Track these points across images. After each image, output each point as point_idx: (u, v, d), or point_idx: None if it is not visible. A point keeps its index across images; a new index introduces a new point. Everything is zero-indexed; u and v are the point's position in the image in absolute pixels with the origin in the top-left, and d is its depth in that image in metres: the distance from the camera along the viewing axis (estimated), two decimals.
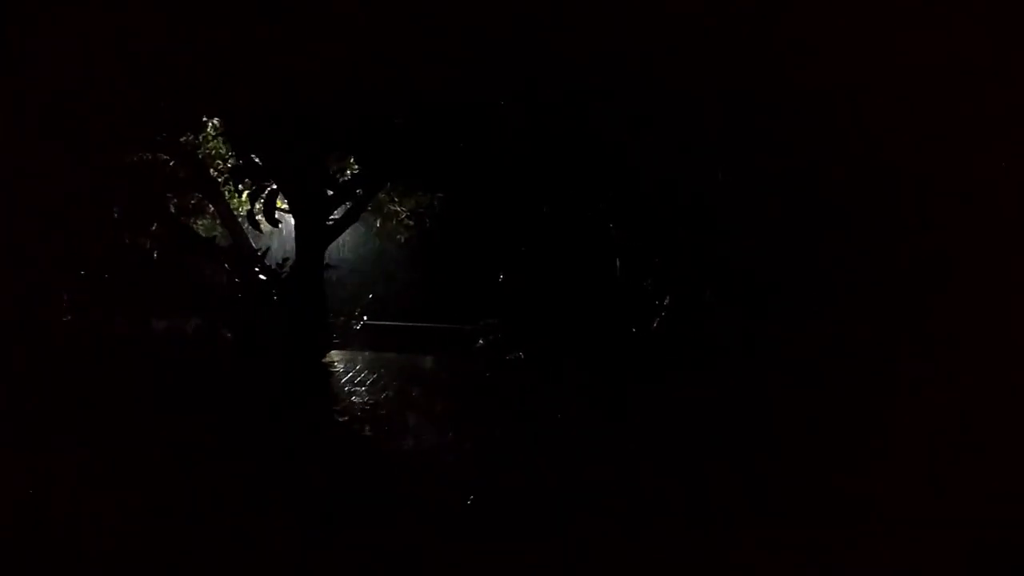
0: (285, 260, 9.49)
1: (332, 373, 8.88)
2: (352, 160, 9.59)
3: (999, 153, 7.17)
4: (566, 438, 6.34)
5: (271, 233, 10.70)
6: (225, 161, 9.67)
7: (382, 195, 10.46)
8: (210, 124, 9.37)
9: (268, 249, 9.75)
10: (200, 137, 9.51)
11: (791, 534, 4.27)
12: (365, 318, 10.67)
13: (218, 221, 10.09)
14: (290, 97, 7.82)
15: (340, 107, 8.06)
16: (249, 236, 9.69)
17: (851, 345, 7.66)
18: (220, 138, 9.43)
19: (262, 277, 9.31)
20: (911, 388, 6.89)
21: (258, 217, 9.32)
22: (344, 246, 12.08)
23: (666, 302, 8.77)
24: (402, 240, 11.52)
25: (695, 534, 4.34)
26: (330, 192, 9.26)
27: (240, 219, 9.69)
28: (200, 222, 10.73)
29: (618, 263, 9.12)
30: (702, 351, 8.36)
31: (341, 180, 9.56)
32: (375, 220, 11.15)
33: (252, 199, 9.22)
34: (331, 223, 9.39)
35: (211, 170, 9.69)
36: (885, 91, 7.27)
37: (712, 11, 7.49)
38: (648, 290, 8.91)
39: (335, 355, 9.92)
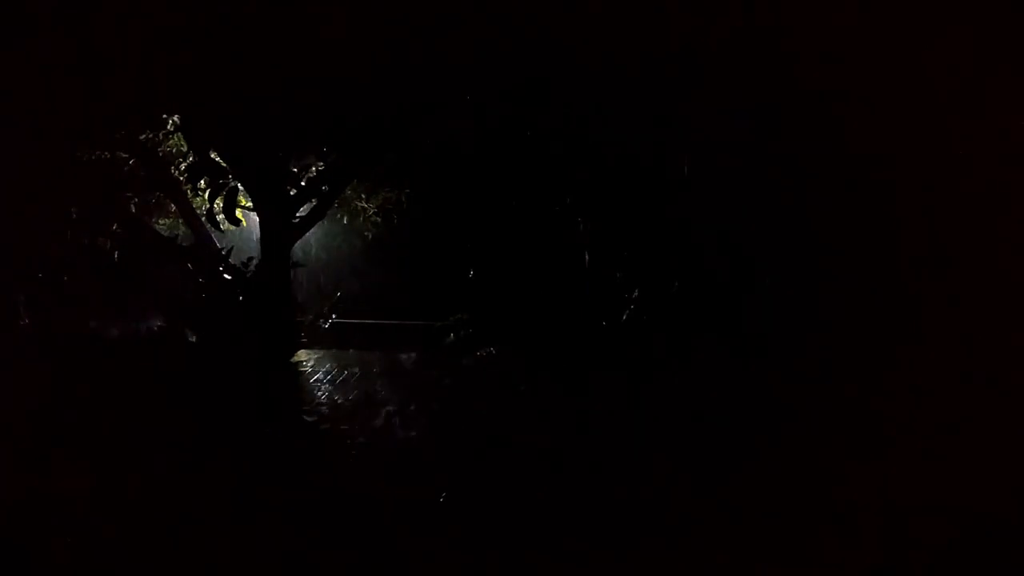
0: (250, 259, 9.34)
1: (301, 373, 8.77)
2: (316, 157, 9.47)
3: (970, 144, 7.26)
4: (537, 432, 6.33)
5: (235, 231, 10.53)
6: (186, 158, 9.49)
7: (349, 192, 10.35)
8: (170, 121, 9.18)
9: (232, 248, 9.59)
10: (160, 134, 9.31)
11: (767, 530, 4.29)
12: (334, 316, 10.56)
13: (180, 220, 9.90)
14: (250, 93, 7.69)
15: (303, 103, 7.94)
16: (214, 235, 9.53)
17: (825, 335, 7.74)
18: (180, 134, 9.24)
19: (227, 277, 9.16)
20: (890, 380, 6.96)
21: (218, 216, 9.16)
22: (311, 244, 11.94)
23: (635, 295, 8.80)
24: (370, 237, 11.42)
25: (671, 529, 4.35)
26: (293, 191, 9.14)
27: (203, 217, 9.53)
28: (162, 221, 10.52)
29: (587, 256, 9.14)
30: (672, 343, 8.42)
31: (306, 177, 9.44)
32: (342, 217, 11.03)
33: (211, 197, 9.06)
34: (297, 221, 9.27)
35: (172, 168, 9.49)
36: (857, 82, 7.33)
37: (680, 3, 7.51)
38: (617, 283, 8.94)
39: (303, 354, 9.80)
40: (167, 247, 9.18)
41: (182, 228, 9.99)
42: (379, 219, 11.05)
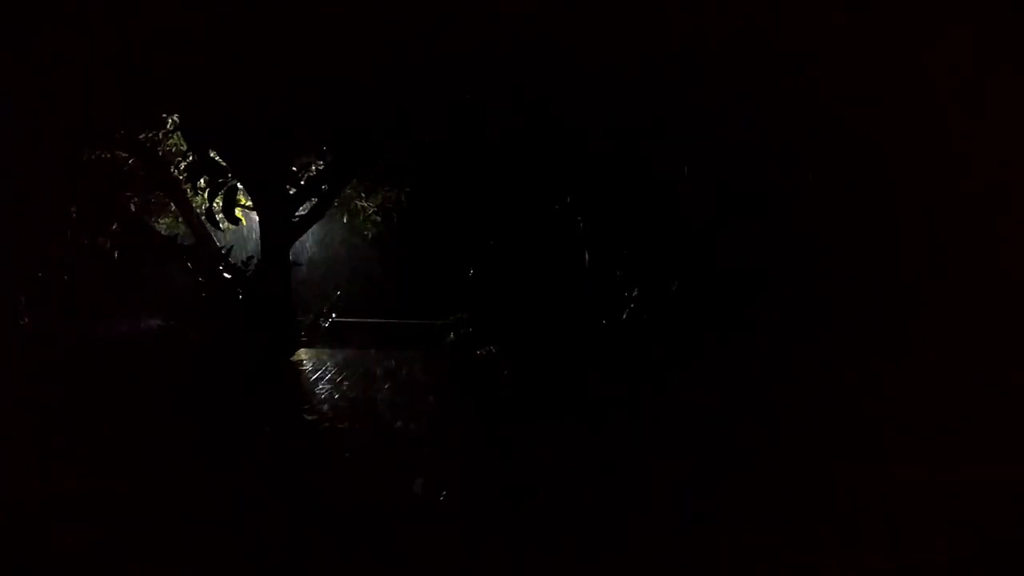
0: (250, 258, 9.33)
1: (301, 373, 8.77)
2: (316, 157, 9.47)
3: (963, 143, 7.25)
4: (537, 431, 6.33)
5: (235, 231, 10.53)
6: (186, 158, 9.50)
7: (349, 190, 10.35)
8: (170, 121, 9.18)
9: (232, 248, 9.59)
10: (160, 134, 9.31)
11: (768, 530, 4.29)
12: (333, 315, 10.56)
13: (180, 219, 9.90)
14: (250, 93, 7.69)
15: (303, 103, 7.94)
16: (214, 234, 9.52)
17: (826, 335, 7.74)
18: (180, 133, 9.24)
19: (227, 276, 9.16)
20: (890, 380, 6.95)
21: (218, 215, 9.16)
22: (311, 243, 11.94)
23: (635, 294, 8.80)
24: (370, 236, 11.42)
25: (671, 528, 4.35)
26: (293, 190, 9.14)
27: (202, 217, 9.54)
28: (162, 221, 10.52)
29: (587, 256, 9.13)
30: (672, 342, 8.41)
31: (306, 177, 9.44)
32: (342, 216, 11.03)
33: (211, 196, 9.06)
34: (296, 220, 9.27)
35: (172, 168, 9.50)
36: (858, 82, 7.32)
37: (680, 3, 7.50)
38: (617, 282, 8.94)
39: (303, 354, 9.80)
40: (167, 247, 9.18)
41: (182, 228, 9.98)
42: (379, 218, 11.05)
